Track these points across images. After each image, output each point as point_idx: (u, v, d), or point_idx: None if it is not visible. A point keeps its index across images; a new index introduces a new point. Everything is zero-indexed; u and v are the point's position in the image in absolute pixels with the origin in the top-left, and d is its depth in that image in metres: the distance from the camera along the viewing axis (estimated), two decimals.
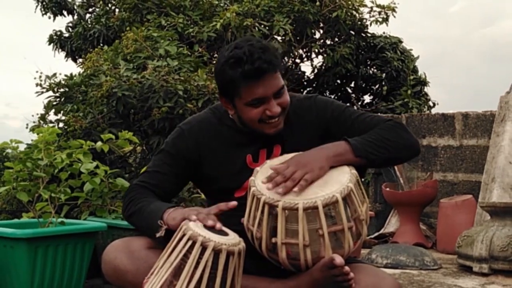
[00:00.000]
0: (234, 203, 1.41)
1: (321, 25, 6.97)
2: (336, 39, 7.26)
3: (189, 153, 1.61)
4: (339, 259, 1.31)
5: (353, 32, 7.21)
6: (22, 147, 2.44)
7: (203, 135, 1.63)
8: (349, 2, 6.77)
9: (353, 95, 8.10)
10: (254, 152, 1.61)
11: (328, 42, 7.38)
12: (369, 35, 7.48)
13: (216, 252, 1.24)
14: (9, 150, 2.44)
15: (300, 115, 1.63)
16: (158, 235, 1.40)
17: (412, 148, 1.58)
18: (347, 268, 1.33)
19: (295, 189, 1.37)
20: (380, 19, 7.06)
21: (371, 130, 1.55)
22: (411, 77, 7.41)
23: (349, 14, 6.75)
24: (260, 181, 1.43)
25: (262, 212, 1.38)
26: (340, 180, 1.39)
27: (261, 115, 1.52)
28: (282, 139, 1.60)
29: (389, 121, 1.58)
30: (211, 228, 1.32)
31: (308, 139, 1.58)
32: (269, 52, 1.50)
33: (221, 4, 6.75)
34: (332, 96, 7.75)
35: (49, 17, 8.53)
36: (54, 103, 4.25)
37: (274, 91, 1.51)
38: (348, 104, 1.66)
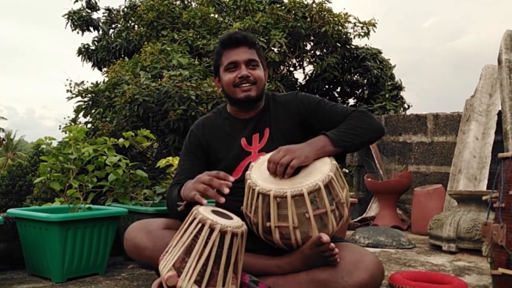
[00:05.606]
0: (231, 178, 1.42)
1: (312, 38, 6.98)
2: (325, 50, 7.28)
3: (201, 144, 1.73)
4: (325, 237, 1.33)
5: (339, 44, 7.22)
6: (54, 143, 2.44)
7: (207, 128, 1.75)
8: (336, 19, 6.78)
9: (339, 98, 8.11)
10: (248, 137, 1.68)
11: (317, 52, 7.39)
12: (352, 46, 7.49)
13: (222, 233, 1.24)
14: (44, 146, 2.44)
15: (284, 106, 1.71)
16: (179, 209, 1.47)
17: (378, 130, 1.62)
18: (332, 244, 1.35)
19: (285, 176, 1.40)
20: (362, 33, 7.06)
21: (343, 122, 1.59)
22: (389, 83, 7.42)
23: (335, 29, 6.77)
24: (255, 174, 1.44)
25: (257, 200, 1.39)
26: (322, 170, 1.40)
27: (234, 79, 1.64)
28: (270, 124, 1.68)
29: (355, 111, 1.63)
30: (218, 213, 1.32)
31: (290, 126, 1.66)
32: (248, 35, 1.68)
33: (226, 21, 6.75)
34: None
35: (78, 33, 8.55)
36: (83, 107, 4.26)
37: (245, 59, 1.64)
38: (322, 98, 1.73)
